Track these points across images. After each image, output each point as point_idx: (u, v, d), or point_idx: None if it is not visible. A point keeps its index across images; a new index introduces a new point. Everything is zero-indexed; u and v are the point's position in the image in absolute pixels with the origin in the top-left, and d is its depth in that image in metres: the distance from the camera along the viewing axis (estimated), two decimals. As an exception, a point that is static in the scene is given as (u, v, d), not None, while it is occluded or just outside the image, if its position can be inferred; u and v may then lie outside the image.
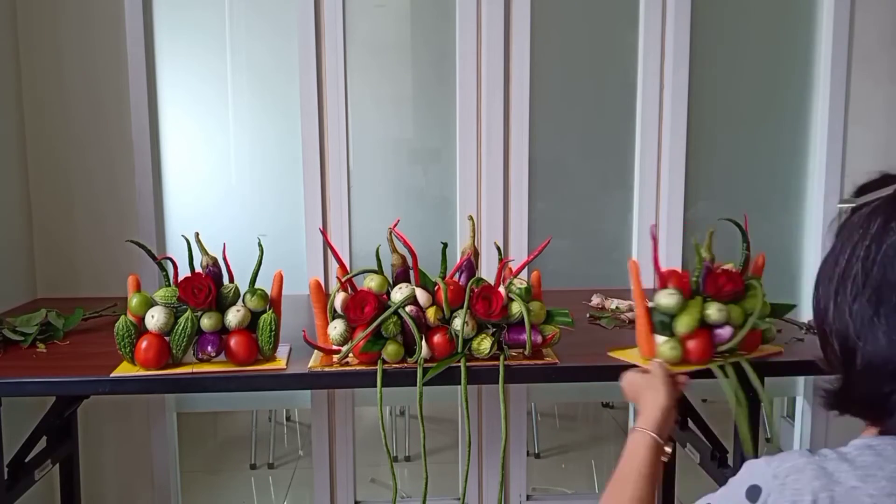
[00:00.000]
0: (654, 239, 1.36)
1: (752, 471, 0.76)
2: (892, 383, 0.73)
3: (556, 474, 2.76)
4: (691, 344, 1.29)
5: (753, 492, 0.74)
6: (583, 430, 3.27)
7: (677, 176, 2.11)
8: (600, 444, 3.10)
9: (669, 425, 1.11)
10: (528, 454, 2.20)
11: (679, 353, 1.29)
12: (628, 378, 1.23)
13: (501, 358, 1.32)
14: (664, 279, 1.33)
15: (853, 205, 0.82)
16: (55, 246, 2.03)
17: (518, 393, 2.13)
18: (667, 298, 1.29)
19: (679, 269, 1.34)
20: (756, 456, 1.25)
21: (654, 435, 1.06)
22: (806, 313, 1.45)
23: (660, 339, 1.31)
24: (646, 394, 1.15)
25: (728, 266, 1.33)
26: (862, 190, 0.84)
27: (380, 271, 1.34)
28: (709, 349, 1.29)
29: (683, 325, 1.28)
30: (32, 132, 1.99)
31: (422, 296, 1.30)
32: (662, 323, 1.30)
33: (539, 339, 1.32)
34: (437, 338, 1.31)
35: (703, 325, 1.29)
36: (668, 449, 1.08)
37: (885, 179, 0.82)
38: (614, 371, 1.32)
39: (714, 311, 1.29)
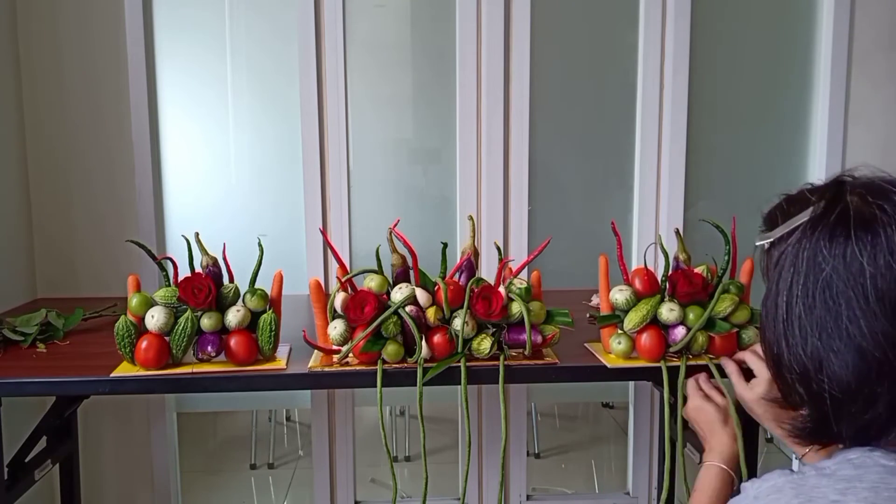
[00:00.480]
0: (618, 235, 1.37)
1: (742, 493, 0.78)
2: (867, 408, 0.73)
3: (556, 474, 2.76)
4: (640, 340, 1.31)
5: None
6: (583, 430, 3.27)
7: (677, 176, 2.11)
8: (600, 444, 3.10)
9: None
10: (528, 454, 2.20)
11: (626, 348, 1.32)
12: (698, 405, 1.22)
13: (501, 358, 1.32)
14: (630, 276, 1.35)
15: (770, 239, 0.82)
16: (55, 246, 2.03)
17: (518, 393, 2.13)
18: (617, 294, 1.32)
19: (645, 267, 1.35)
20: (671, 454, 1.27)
21: (730, 470, 1.08)
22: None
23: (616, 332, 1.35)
24: (719, 428, 1.16)
25: (700, 269, 1.33)
26: (771, 219, 0.83)
27: (380, 271, 1.34)
28: (658, 348, 1.30)
29: (630, 321, 1.31)
30: (32, 132, 1.99)
31: (422, 296, 1.30)
32: (617, 317, 1.33)
33: (539, 339, 1.32)
34: (437, 338, 1.31)
35: (657, 323, 1.31)
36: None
37: (789, 203, 0.82)
38: (614, 371, 1.33)
39: (665, 311, 1.30)
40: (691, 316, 1.30)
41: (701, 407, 1.21)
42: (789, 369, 0.77)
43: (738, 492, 0.80)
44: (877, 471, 0.71)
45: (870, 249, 0.71)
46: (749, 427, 1.28)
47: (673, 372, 1.30)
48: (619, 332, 1.34)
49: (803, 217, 0.78)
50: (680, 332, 1.30)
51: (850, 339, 0.72)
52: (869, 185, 0.76)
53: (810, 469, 0.74)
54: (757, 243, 0.85)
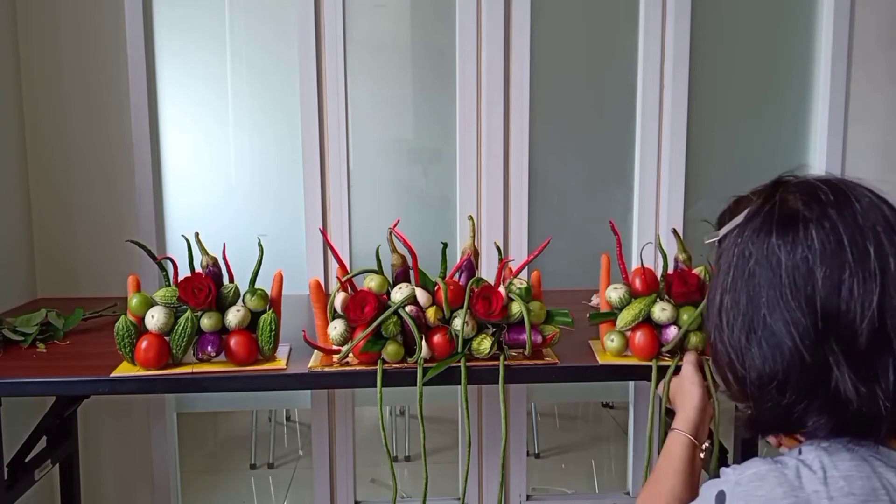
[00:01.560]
0: (617, 234, 1.38)
1: (723, 476, 0.80)
2: (782, 396, 0.76)
3: (556, 474, 2.76)
4: (633, 339, 1.32)
5: (720, 497, 0.78)
6: (583, 430, 3.27)
7: (677, 176, 2.11)
8: (600, 444, 3.10)
9: (705, 422, 1.14)
10: (528, 454, 2.20)
11: (618, 346, 1.33)
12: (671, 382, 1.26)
13: (501, 358, 1.32)
14: (630, 275, 1.35)
15: (715, 238, 0.86)
16: (55, 246, 2.03)
17: (518, 393, 2.13)
18: (613, 292, 1.33)
19: (642, 266, 1.35)
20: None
21: (688, 434, 1.09)
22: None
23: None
24: (679, 395, 1.19)
25: (698, 269, 1.33)
26: (720, 220, 0.87)
27: (380, 271, 1.34)
28: (651, 347, 1.31)
29: (622, 319, 1.32)
30: (32, 133, 1.99)
31: (422, 296, 1.30)
32: (611, 315, 1.35)
33: (539, 339, 1.32)
34: (437, 338, 1.31)
35: (650, 322, 1.32)
36: (705, 445, 1.12)
37: (736, 203, 0.86)
38: (614, 371, 1.33)
39: (657, 310, 1.30)
40: (685, 316, 1.30)
41: (671, 383, 1.25)
42: (721, 358, 0.82)
43: (717, 475, 0.82)
44: (851, 457, 0.74)
45: (789, 243, 0.75)
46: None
47: (663, 372, 1.30)
48: (613, 329, 1.34)
49: (742, 216, 0.82)
50: (672, 332, 1.31)
51: (767, 329, 0.75)
52: (801, 183, 0.80)
53: (790, 459, 0.76)
54: (705, 241, 0.90)
